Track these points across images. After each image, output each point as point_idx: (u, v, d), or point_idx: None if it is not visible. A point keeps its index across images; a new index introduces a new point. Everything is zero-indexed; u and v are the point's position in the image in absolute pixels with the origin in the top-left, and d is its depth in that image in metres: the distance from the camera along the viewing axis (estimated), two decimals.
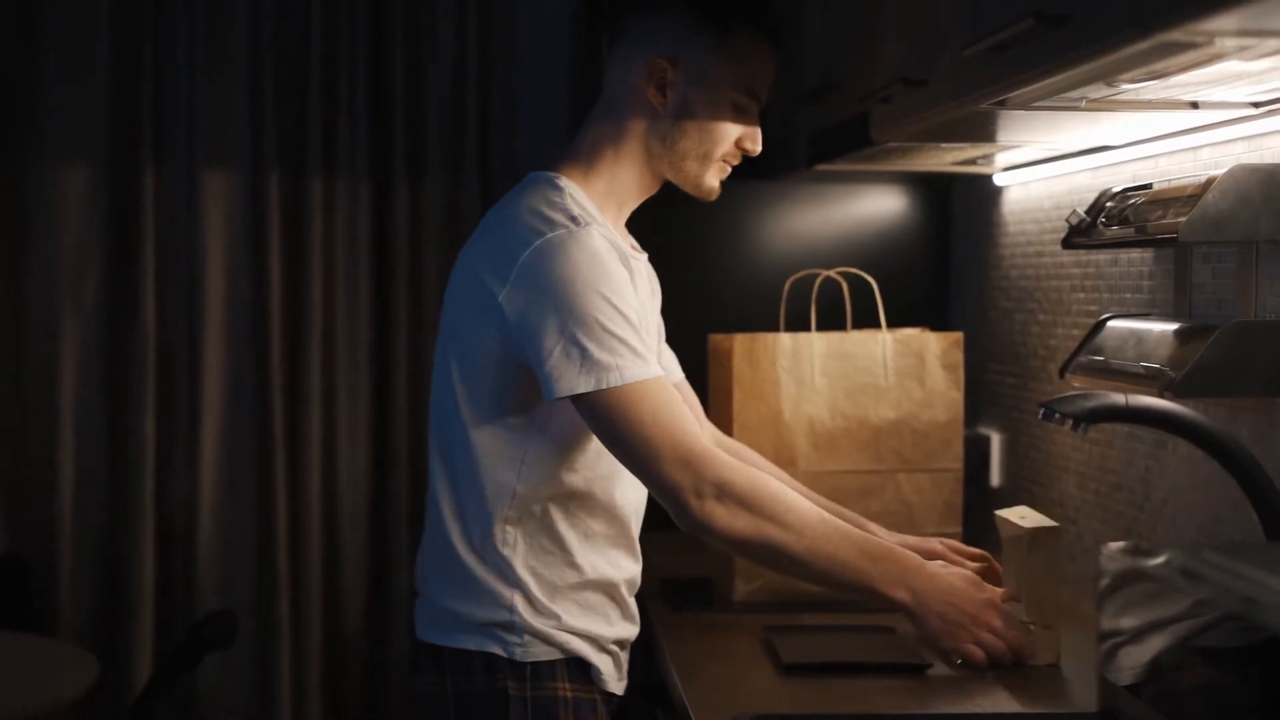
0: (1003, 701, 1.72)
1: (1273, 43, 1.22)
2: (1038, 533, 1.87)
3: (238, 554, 3.35)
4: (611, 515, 1.83)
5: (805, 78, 2.53)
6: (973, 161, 2.42)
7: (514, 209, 1.80)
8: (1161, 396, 1.69)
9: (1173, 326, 1.81)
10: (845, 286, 2.41)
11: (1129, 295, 2.14)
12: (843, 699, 1.74)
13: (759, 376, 2.32)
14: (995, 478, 2.72)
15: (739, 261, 2.97)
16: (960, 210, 2.96)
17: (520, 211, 1.78)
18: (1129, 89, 1.49)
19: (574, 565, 1.80)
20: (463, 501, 1.80)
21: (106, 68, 3.26)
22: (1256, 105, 1.61)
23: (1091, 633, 1.41)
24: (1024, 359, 2.58)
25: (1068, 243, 2.01)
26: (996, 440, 2.72)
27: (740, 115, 1.88)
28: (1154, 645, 1.22)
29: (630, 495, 1.85)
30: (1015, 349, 2.62)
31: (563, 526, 1.80)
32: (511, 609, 1.77)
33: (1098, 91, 1.51)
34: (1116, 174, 2.14)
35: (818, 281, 2.43)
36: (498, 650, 1.77)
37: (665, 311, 2.03)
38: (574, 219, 1.75)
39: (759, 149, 1.91)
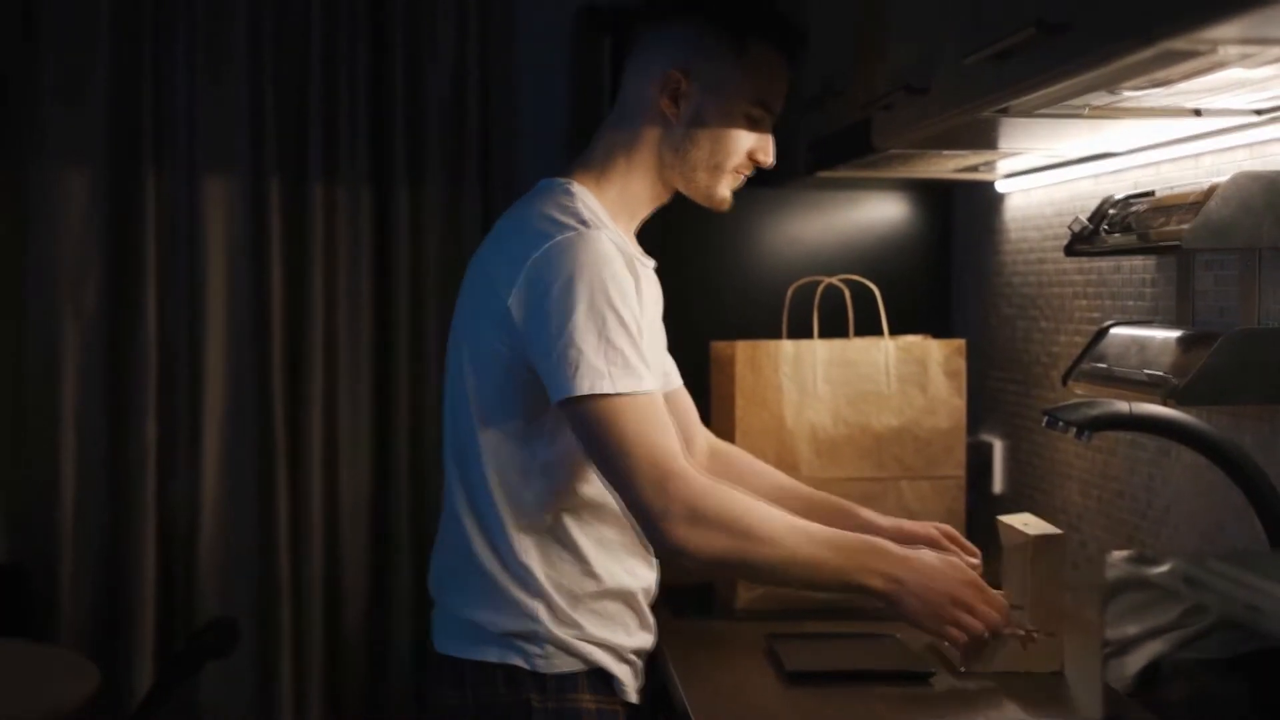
0: (1007, 709, 1.72)
1: (1275, 50, 1.21)
2: (1041, 540, 1.86)
3: (239, 559, 3.34)
4: (624, 523, 1.82)
5: (807, 84, 2.52)
6: (975, 168, 2.42)
7: (525, 214, 1.80)
8: (1164, 404, 1.69)
9: (1175, 334, 1.81)
10: (847, 293, 2.41)
11: (1131, 302, 2.14)
12: (846, 707, 1.74)
13: (761, 383, 2.32)
14: (997, 485, 2.72)
15: (741, 268, 2.97)
16: (962, 217, 2.96)
17: (531, 216, 1.78)
18: (1131, 96, 1.48)
19: (591, 574, 1.79)
20: (482, 510, 1.79)
21: (106, 68, 3.26)
22: (1259, 113, 1.61)
23: (1095, 640, 1.41)
24: (1026, 366, 2.58)
25: (1070, 250, 2.01)
26: (999, 447, 2.72)
27: (753, 126, 1.88)
28: (1158, 653, 1.22)
29: None
30: (1017, 356, 2.62)
31: (577, 534, 1.79)
32: (535, 618, 1.76)
33: (1100, 99, 1.51)
34: (1119, 181, 2.14)
35: (820, 288, 2.43)
36: (520, 662, 1.77)
37: (667, 318, 2.03)
38: (584, 222, 1.75)
39: (771, 160, 1.91)
